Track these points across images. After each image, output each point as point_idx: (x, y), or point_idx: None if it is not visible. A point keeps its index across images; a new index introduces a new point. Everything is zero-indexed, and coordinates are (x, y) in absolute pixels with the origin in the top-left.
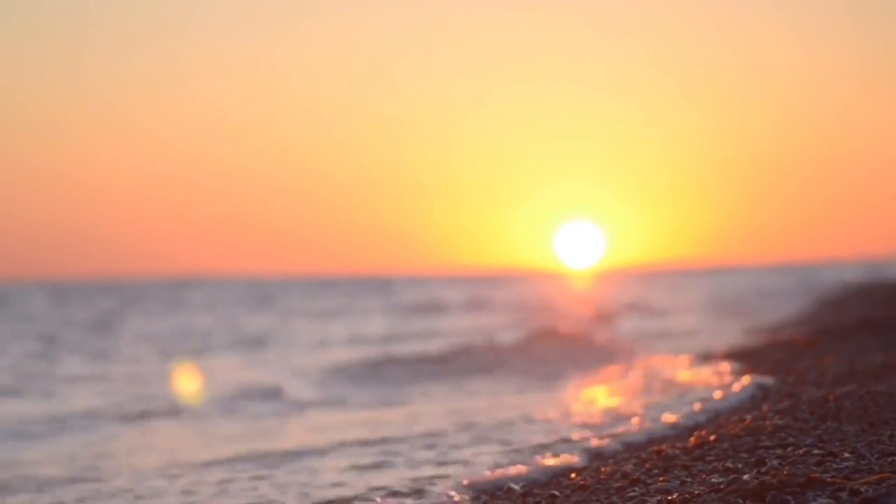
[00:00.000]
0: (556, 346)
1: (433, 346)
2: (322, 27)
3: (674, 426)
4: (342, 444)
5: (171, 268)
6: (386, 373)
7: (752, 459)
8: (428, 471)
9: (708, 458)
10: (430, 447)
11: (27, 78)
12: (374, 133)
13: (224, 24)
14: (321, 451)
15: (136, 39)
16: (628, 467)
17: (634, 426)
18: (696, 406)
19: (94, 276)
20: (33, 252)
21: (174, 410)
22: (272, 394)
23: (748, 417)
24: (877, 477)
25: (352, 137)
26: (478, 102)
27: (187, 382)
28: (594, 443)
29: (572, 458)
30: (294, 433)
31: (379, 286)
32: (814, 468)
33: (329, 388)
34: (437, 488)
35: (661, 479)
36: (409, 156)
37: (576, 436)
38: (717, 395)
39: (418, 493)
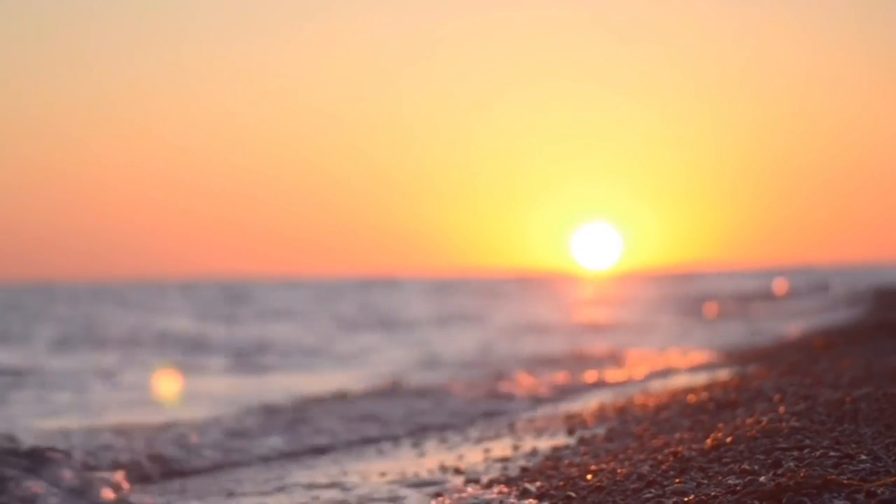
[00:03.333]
0: None
1: None
2: (331, 30)
3: None
4: None
5: (180, 270)
6: None
7: (769, 461)
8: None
9: (724, 459)
10: None
11: (35, 81)
12: (388, 135)
13: (232, 27)
14: None
15: (143, 43)
16: (644, 469)
17: None
18: None
19: (102, 278)
20: (40, 254)
21: None
22: None
23: (764, 419)
24: (893, 479)
25: (365, 140)
26: (494, 104)
27: None
28: None
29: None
30: None
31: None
32: (830, 470)
33: None
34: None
35: (677, 480)
36: (425, 157)
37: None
38: None
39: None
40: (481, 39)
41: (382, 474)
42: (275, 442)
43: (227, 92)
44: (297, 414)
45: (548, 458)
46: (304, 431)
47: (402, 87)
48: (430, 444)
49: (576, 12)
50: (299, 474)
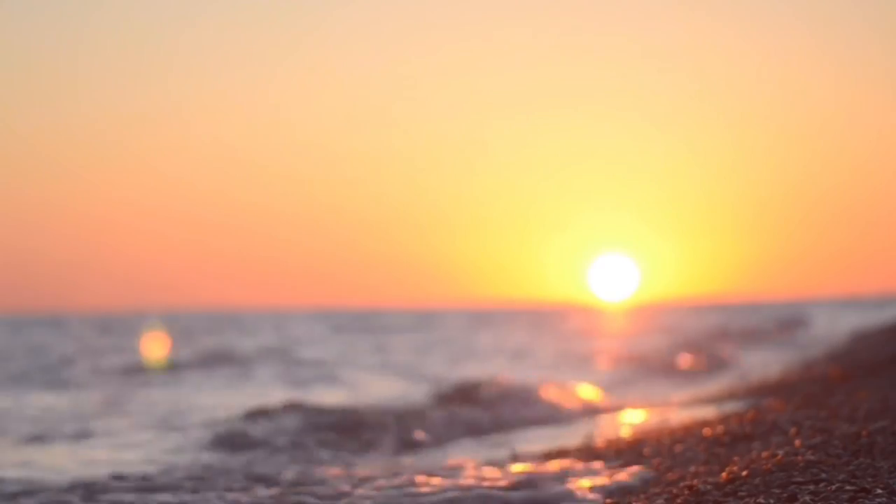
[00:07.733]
0: None
1: None
2: (336, 59)
3: None
4: None
5: (179, 302)
6: None
7: (785, 495)
8: None
9: (740, 493)
10: None
11: (31, 111)
12: (393, 166)
13: (232, 57)
14: None
15: (142, 72)
16: (659, 502)
17: None
18: None
19: (100, 310)
20: (38, 285)
21: None
22: None
23: (780, 453)
24: None
25: (369, 171)
26: (510, 131)
27: None
28: None
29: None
30: None
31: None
32: None
33: None
34: None
35: None
36: (436, 187)
37: None
38: None
39: None
40: (504, 65)
41: None
42: None
43: (224, 122)
44: None
45: None
46: None
47: (406, 117)
48: None
49: (590, 38)
50: None
